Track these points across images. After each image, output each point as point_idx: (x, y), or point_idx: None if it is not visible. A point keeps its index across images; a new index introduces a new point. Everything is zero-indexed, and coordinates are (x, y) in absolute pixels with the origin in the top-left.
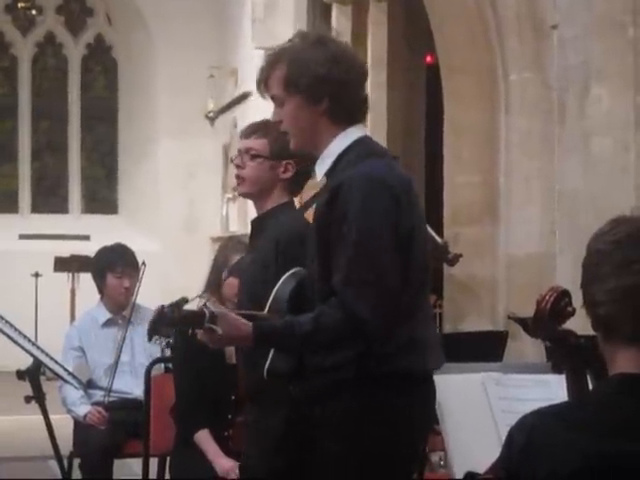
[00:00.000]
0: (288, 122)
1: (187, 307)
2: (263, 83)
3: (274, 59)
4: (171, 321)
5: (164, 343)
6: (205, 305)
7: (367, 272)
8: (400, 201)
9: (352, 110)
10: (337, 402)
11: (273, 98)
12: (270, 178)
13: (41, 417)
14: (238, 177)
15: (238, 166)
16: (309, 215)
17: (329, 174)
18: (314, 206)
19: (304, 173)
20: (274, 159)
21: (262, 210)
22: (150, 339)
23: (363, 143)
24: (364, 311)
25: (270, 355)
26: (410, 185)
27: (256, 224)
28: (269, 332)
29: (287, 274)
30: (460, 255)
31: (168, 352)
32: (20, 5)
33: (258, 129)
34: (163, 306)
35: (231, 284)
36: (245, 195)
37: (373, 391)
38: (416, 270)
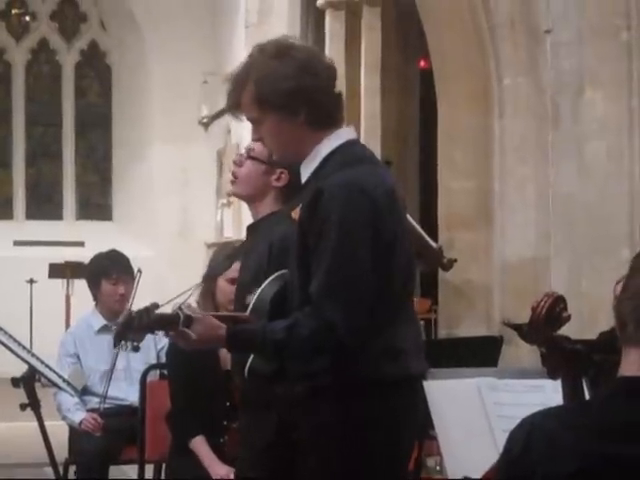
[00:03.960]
0: (270, 139)
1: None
2: (234, 106)
3: (240, 80)
4: (139, 326)
5: (130, 348)
6: (180, 308)
7: (343, 282)
8: (380, 209)
9: (330, 112)
10: (316, 409)
11: (249, 119)
12: (263, 182)
13: (36, 424)
14: (233, 174)
15: (235, 163)
16: (295, 214)
17: (313, 177)
18: (298, 208)
19: (298, 185)
20: (270, 164)
21: (257, 216)
22: (116, 345)
23: (349, 147)
24: (338, 320)
25: (251, 355)
26: (393, 192)
27: (251, 230)
28: (242, 336)
29: (273, 276)
30: (455, 260)
31: (159, 357)
32: (14, 11)
33: None
34: (131, 311)
35: (224, 290)
36: (236, 195)
37: (352, 398)
38: (399, 277)
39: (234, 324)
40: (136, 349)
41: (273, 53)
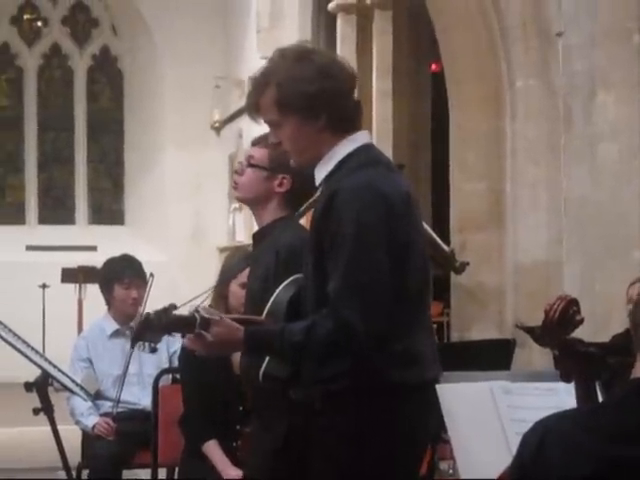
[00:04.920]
0: (289, 143)
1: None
2: (254, 109)
3: (261, 83)
4: (157, 327)
5: (147, 349)
6: (196, 310)
7: (360, 283)
8: (395, 211)
9: (350, 116)
10: (331, 412)
11: (268, 122)
12: (265, 189)
13: (49, 428)
14: (234, 182)
15: (236, 172)
16: (306, 221)
17: (327, 179)
18: (312, 212)
19: (302, 190)
20: (270, 171)
21: (261, 222)
22: (133, 345)
23: (365, 151)
24: (356, 321)
25: (266, 359)
26: (408, 195)
27: (257, 237)
28: (260, 338)
29: (288, 280)
30: (467, 263)
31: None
32: (26, 17)
33: (263, 139)
34: (149, 313)
35: (237, 294)
36: (240, 200)
37: (369, 403)
38: (414, 280)
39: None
40: (153, 350)
41: (294, 57)
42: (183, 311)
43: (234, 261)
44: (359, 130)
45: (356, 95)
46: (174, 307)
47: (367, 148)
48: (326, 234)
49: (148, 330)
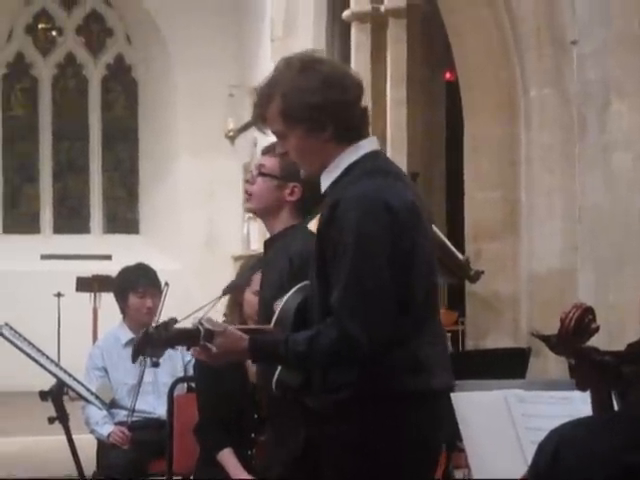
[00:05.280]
0: (295, 154)
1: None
2: (260, 119)
3: (266, 94)
4: (157, 342)
5: (150, 364)
6: (200, 322)
7: (362, 293)
8: (398, 221)
9: (357, 126)
10: (338, 422)
11: (274, 133)
12: (276, 198)
13: (64, 437)
14: (246, 192)
15: (247, 181)
16: (313, 227)
17: (332, 188)
18: (317, 219)
19: (313, 199)
20: (281, 180)
21: (273, 231)
22: (134, 360)
23: (372, 159)
24: (358, 332)
25: (279, 367)
26: (413, 205)
27: (268, 244)
28: (264, 348)
29: (295, 287)
30: (482, 272)
31: (189, 370)
32: (40, 26)
33: (274, 147)
34: (148, 327)
35: (252, 302)
36: (251, 210)
37: (375, 411)
38: (420, 288)
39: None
40: (156, 364)
41: (299, 67)
42: (186, 324)
43: (249, 270)
44: (366, 138)
45: (366, 102)
46: (175, 321)
47: (373, 156)
48: (329, 243)
49: (148, 345)
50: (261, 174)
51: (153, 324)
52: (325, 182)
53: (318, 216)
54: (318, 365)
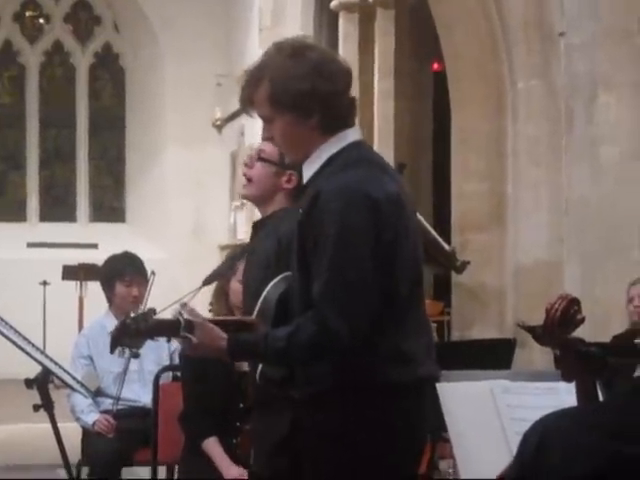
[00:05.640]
0: (280, 139)
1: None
2: (247, 102)
3: (255, 77)
4: (135, 332)
5: (128, 354)
6: (180, 313)
7: (342, 285)
8: (380, 212)
9: (343, 116)
10: (318, 414)
11: (261, 116)
12: (273, 184)
13: (49, 425)
14: (245, 175)
15: (246, 164)
16: None
17: (314, 179)
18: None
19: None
20: (280, 166)
21: (264, 214)
22: (112, 351)
23: (355, 149)
24: (338, 324)
25: None
26: (397, 196)
27: (257, 226)
28: (243, 347)
29: (278, 278)
30: (468, 262)
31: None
32: (28, 14)
33: None
34: (126, 317)
35: (238, 291)
36: (247, 197)
37: (360, 402)
38: (403, 279)
39: (239, 329)
40: (136, 355)
41: (290, 52)
42: (166, 314)
43: (234, 259)
44: (351, 127)
45: (354, 93)
46: (153, 312)
47: (357, 146)
48: (310, 234)
49: (126, 336)
50: (260, 159)
51: (131, 314)
52: (307, 172)
53: None
54: (298, 360)
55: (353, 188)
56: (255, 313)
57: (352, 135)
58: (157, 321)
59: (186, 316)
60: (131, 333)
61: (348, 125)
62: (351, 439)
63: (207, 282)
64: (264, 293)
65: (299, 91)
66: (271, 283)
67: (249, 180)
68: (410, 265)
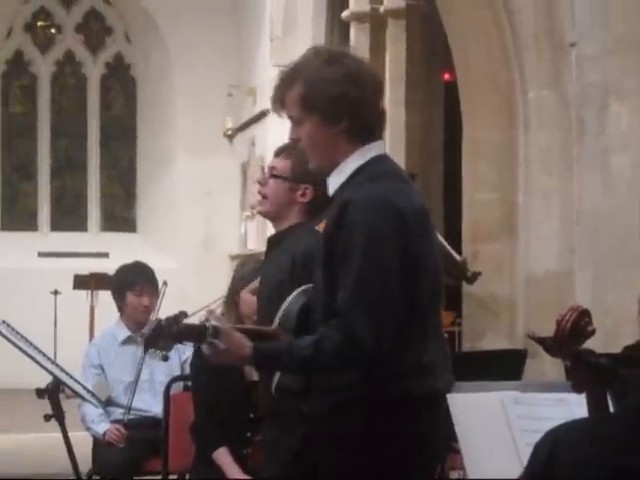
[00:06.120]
0: (306, 141)
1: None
2: (279, 102)
3: (289, 78)
4: (168, 334)
5: (160, 357)
6: (207, 319)
7: (369, 295)
8: (408, 224)
9: (371, 127)
10: (341, 424)
11: (290, 117)
12: (288, 199)
13: (60, 435)
14: (260, 193)
15: (260, 182)
16: (320, 228)
17: (341, 190)
18: (324, 220)
19: (324, 200)
20: (293, 181)
21: (279, 229)
22: (146, 351)
23: (379, 162)
24: (364, 334)
25: (278, 372)
26: (422, 209)
27: (273, 240)
28: (268, 355)
29: (298, 290)
30: (479, 273)
31: (186, 369)
32: (39, 24)
33: (285, 149)
34: (160, 319)
35: (248, 301)
36: (262, 214)
37: (380, 413)
38: (426, 292)
39: (260, 338)
40: (165, 358)
41: (327, 57)
42: (194, 320)
43: (245, 269)
44: (377, 139)
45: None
46: (185, 315)
47: (382, 159)
48: (337, 244)
49: (160, 337)
50: (273, 176)
51: (158, 318)
52: (333, 184)
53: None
54: (324, 368)
55: (382, 199)
56: (275, 325)
57: (377, 148)
58: (186, 325)
59: (213, 322)
60: (164, 335)
61: (375, 136)
62: (373, 450)
63: (233, 290)
64: (284, 305)
65: (331, 95)
66: (291, 295)
67: (264, 197)
68: (432, 277)
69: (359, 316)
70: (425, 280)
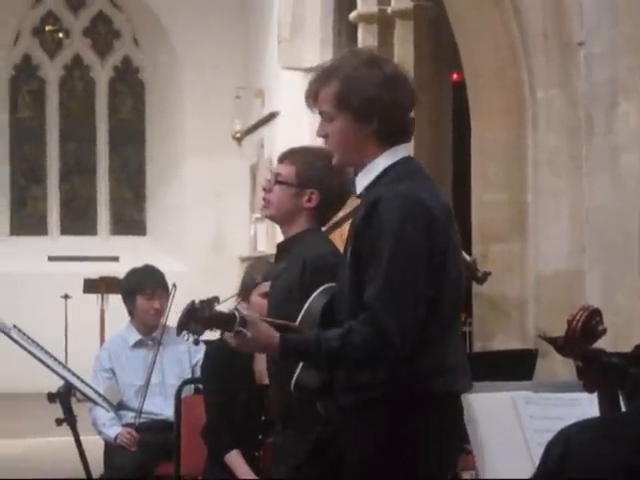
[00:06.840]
0: (336, 138)
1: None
2: (312, 97)
3: (326, 75)
4: (201, 318)
5: (192, 340)
6: (236, 309)
7: (399, 291)
8: (436, 222)
9: (399, 131)
10: (363, 422)
11: (322, 113)
12: (294, 205)
13: (72, 439)
14: (264, 199)
15: (264, 189)
16: (336, 235)
17: (369, 189)
18: (350, 221)
19: (330, 204)
20: (298, 187)
21: (288, 235)
22: (179, 333)
23: (407, 163)
24: (392, 329)
25: (298, 368)
26: (448, 208)
27: (283, 246)
28: (295, 345)
29: (320, 289)
30: (489, 273)
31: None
32: (47, 28)
33: (289, 155)
34: (194, 301)
35: (257, 304)
36: (269, 218)
37: (402, 412)
38: (449, 292)
39: (285, 332)
40: (196, 342)
41: (366, 59)
42: (222, 308)
43: (256, 272)
44: (404, 143)
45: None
46: (217, 300)
47: (409, 160)
48: (366, 242)
49: (192, 320)
50: (278, 182)
51: (190, 301)
52: (361, 184)
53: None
54: (350, 361)
55: (411, 197)
56: (298, 322)
57: (402, 151)
58: (217, 312)
59: (242, 312)
60: (196, 318)
61: (402, 141)
62: (397, 448)
63: (244, 291)
64: (307, 303)
65: (366, 96)
66: (314, 294)
67: (268, 203)
68: (455, 278)
69: (387, 312)
70: (449, 280)
